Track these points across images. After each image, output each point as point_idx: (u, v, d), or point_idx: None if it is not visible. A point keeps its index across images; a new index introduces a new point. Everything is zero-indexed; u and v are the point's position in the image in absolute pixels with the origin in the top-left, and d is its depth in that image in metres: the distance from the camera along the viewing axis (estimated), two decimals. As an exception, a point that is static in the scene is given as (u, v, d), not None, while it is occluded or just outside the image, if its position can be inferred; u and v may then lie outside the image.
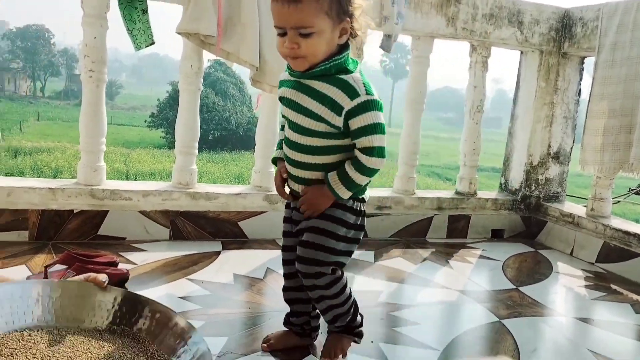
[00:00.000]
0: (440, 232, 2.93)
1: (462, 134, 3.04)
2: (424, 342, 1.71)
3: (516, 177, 3.18)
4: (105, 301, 1.12)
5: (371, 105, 1.33)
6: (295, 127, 1.39)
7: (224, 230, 2.53)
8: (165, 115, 26.24)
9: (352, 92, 1.31)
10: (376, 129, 1.34)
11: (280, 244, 1.56)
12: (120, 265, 2.02)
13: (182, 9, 2.28)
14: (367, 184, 1.42)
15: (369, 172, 1.38)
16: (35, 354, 0.97)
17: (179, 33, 2.25)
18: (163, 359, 1.06)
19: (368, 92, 1.33)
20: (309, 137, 1.38)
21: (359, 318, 1.56)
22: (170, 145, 25.43)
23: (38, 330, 1.04)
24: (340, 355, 1.49)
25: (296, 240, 1.49)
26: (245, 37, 2.24)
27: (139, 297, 1.16)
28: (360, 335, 1.56)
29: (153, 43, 2.32)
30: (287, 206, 1.54)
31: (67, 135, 26.66)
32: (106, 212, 2.34)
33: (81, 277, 1.16)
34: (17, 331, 1.02)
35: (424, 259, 2.55)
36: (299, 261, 1.42)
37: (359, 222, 1.48)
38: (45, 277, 1.83)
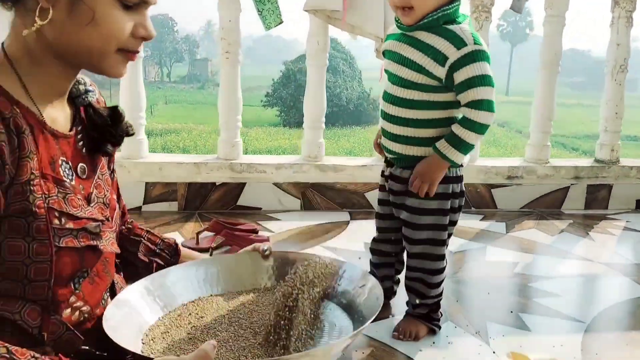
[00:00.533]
0: (577, 203, 2.75)
1: (603, 96, 2.81)
2: (568, 314, 1.65)
3: (666, 143, 2.88)
4: (267, 266, 1.22)
5: (479, 55, 1.29)
6: (395, 79, 1.38)
7: (351, 200, 2.60)
8: (279, 94, 27.07)
9: (458, 42, 1.28)
10: (484, 80, 1.29)
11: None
12: (260, 233, 2.17)
13: (308, -15, 2.34)
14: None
15: (480, 128, 1.32)
16: (218, 310, 1.10)
17: (306, 10, 2.31)
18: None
19: (476, 42, 1.29)
20: (409, 90, 1.35)
21: (440, 311, 1.51)
22: (285, 123, 26.31)
23: (216, 296, 1.17)
24: (413, 339, 1.45)
25: (392, 209, 1.50)
26: (370, 10, 2.25)
27: (288, 254, 1.26)
28: (438, 326, 1.49)
29: (282, 22, 2.40)
30: (382, 174, 1.53)
31: (192, 116, 28.57)
32: (244, 184, 2.50)
33: (248, 248, 1.28)
34: (199, 299, 1.15)
35: (561, 231, 2.42)
36: (417, 257, 1.45)
37: (459, 190, 1.44)
38: (197, 243, 2.02)
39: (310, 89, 2.56)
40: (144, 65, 3.60)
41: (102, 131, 0.98)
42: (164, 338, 0.99)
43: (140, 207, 2.44)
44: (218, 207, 2.50)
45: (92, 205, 0.94)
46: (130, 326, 0.98)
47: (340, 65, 28.03)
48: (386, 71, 1.43)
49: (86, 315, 0.93)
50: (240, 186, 2.50)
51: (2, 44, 0.86)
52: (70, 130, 0.94)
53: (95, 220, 0.92)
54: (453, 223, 1.46)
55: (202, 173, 2.46)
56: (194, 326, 1.04)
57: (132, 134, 1.06)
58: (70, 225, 0.86)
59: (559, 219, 2.59)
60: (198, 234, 2.05)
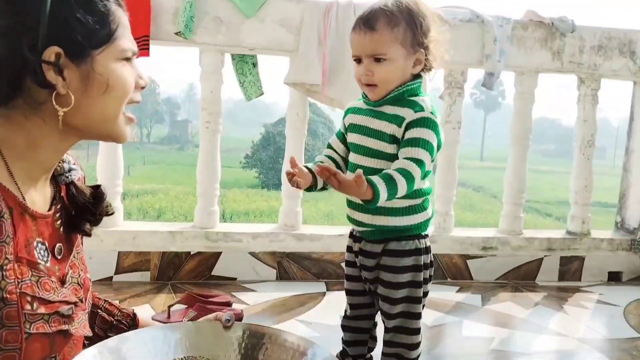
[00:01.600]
0: (551, 275, 2.78)
1: (573, 170, 2.90)
2: (545, 394, 1.63)
3: (634, 215, 2.96)
4: (235, 337, 1.18)
5: (431, 123, 1.33)
6: (362, 150, 1.40)
7: (327, 270, 2.58)
8: (258, 156, 27.34)
9: (417, 107, 1.34)
10: (427, 146, 1.31)
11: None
12: (234, 305, 2.12)
13: (288, 60, 2.42)
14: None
15: (411, 181, 1.27)
16: None
17: (286, 83, 2.38)
18: None
19: (432, 113, 1.35)
20: (375, 159, 1.38)
21: None
22: (264, 185, 26.40)
23: None
24: None
25: (362, 285, 1.49)
26: (349, 84, 2.33)
27: (261, 328, 1.22)
28: None
29: (262, 93, 2.47)
30: (349, 250, 1.52)
31: (170, 177, 28.51)
32: (219, 253, 2.47)
33: (210, 316, 1.24)
34: None
35: (536, 304, 2.43)
36: (394, 331, 1.43)
37: (429, 260, 1.43)
38: (169, 316, 1.97)
39: (288, 158, 2.59)
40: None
41: (82, 210, 0.98)
42: None
43: (111, 277, 2.38)
44: (192, 277, 2.45)
45: (66, 286, 0.92)
46: None
47: (319, 129, 28.60)
48: (351, 144, 1.44)
49: None
50: (216, 255, 2.47)
51: None
52: (49, 209, 0.93)
53: (68, 302, 0.90)
54: (425, 294, 1.46)
55: (177, 242, 2.43)
56: None
57: (112, 214, 1.05)
58: (42, 309, 0.84)
59: (533, 291, 2.60)
60: (170, 307, 2.00)
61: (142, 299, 2.20)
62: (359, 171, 1.24)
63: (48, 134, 0.86)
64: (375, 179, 1.27)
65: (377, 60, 1.33)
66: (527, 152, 2.79)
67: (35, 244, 0.87)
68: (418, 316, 1.43)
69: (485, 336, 2.04)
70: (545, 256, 2.77)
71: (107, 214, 1.04)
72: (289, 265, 2.55)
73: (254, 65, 2.47)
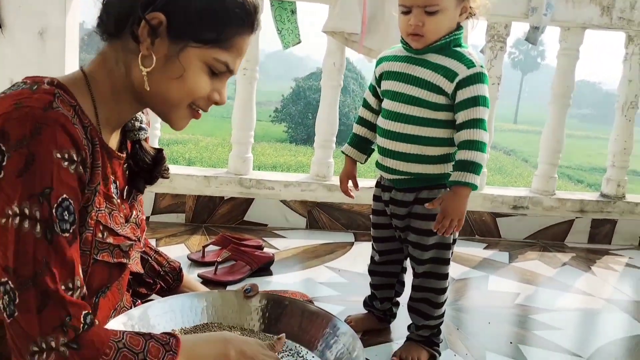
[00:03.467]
0: (581, 237, 2.76)
1: (612, 131, 2.83)
2: (567, 348, 1.66)
3: (672, 181, 2.90)
4: (257, 305, 1.23)
5: (484, 78, 1.35)
6: (402, 98, 1.40)
7: (356, 222, 2.62)
8: (288, 110, 27.21)
9: (467, 62, 1.35)
10: (485, 102, 1.35)
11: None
12: (265, 249, 2.19)
13: (327, 8, 2.39)
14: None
15: (484, 146, 1.35)
16: None
17: (324, 32, 2.36)
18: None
19: (482, 66, 1.36)
20: (415, 107, 1.38)
21: (441, 335, 1.53)
22: (292, 140, 26.39)
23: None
24: None
25: (390, 232, 1.53)
26: (388, 34, 2.30)
27: (279, 297, 1.26)
28: (439, 352, 1.50)
29: (300, 42, 2.46)
30: (377, 199, 1.54)
31: (200, 128, 28.73)
32: (252, 199, 2.53)
33: (236, 288, 1.30)
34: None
35: (564, 264, 2.43)
36: (424, 276, 1.47)
37: None
38: (203, 256, 2.05)
39: (323, 109, 2.60)
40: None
41: (141, 169, 1.02)
42: None
43: (148, 217, 2.47)
44: (225, 221, 2.52)
45: (128, 224, 0.97)
46: None
47: (350, 85, 28.20)
48: (387, 91, 1.45)
49: None
50: (248, 201, 2.53)
51: (82, 67, 0.92)
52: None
53: (129, 239, 0.95)
54: (454, 241, 1.49)
55: (211, 186, 2.50)
56: None
57: (167, 177, 1.10)
58: (110, 240, 0.90)
59: (562, 251, 2.60)
60: (204, 247, 2.08)
61: (177, 239, 2.28)
62: (436, 201, 1.36)
63: (127, 87, 0.90)
64: (457, 174, 1.34)
65: (429, 11, 1.32)
66: (567, 111, 2.74)
67: (111, 179, 0.92)
68: (447, 262, 1.46)
69: (510, 291, 2.07)
70: (576, 218, 2.74)
71: (164, 177, 1.09)
72: (319, 215, 2.60)
73: (293, 12, 2.45)
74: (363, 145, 1.56)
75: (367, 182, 2.70)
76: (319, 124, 2.62)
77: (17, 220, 0.74)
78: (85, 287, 0.81)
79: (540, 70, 62.00)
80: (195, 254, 2.08)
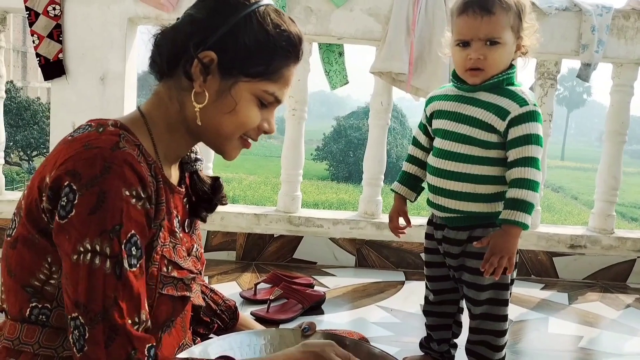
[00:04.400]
0: (644, 277, 2.63)
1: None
2: (639, 397, 1.56)
3: None
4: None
5: (537, 116, 1.35)
6: (454, 136, 1.39)
7: (406, 260, 2.58)
8: (329, 148, 27.48)
9: (520, 100, 1.34)
10: (539, 140, 1.34)
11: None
12: (316, 288, 2.18)
13: (374, 50, 2.43)
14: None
15: (536, 185, 1.32)
16: None
17: (372, 72, 2.40)
18: None
19: (535, 104, 1.35)
20: (467, 146, 1.37)
21: None
22: (333, 178, 26.54)
23: None
24: None
25: (444, 271, 1.50)
26: (436, 73, 2.31)
27: (339, 337, 1.22)
28: None
29: (347, 82, 2.50)
30: (430, 237, 1.53)
31: (243, 166, 29.30)
32: (301, 237, 2.54)
33: (294, 326, 1.28)
34: None
35: (628, 305, 2.31)
36: (481, 317, 1.43)
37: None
38: (255, 294, 2.05)
39: (371, 147, 2.62)
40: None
41: (201, 198, 1.05)
42: None
43: (200, 254, 2.51)
44: (274, 258, 2.54)
45: (190, 258, 0.99)
46: None
47: (391, 124, 28.27)
48: (438, 130, 1.45)
49: None
50: (297, 239, 2.54)
51: (139, 107, 0.96)
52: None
53: (192, 272, 0.97)
54: (512, 282, 1.44)
55: (261, 224, 2.52)
56: None
57: (226, 204, 1.12)
58: (174, 274, 0.92)
59: (624, 292, 2.48)
60: (256, 284, 2.08)
61: (229, 277, 2.30)
62: (485, 239, 1.33)
63: (182, 123, 0.93)
64: (507, 213, 1.32)
65: (490, 44, 1.32)
66: (622, 148, 2.66)
67: (174, 213, 0.95)
68: (506, 303, 1.42)
69: (572, 334, 1.97)
70: (638, 257, 2.62)
71: (222, 204, 1.11)
72: (368, 253, 2.58)
73: (340, 54, 2.51)
74: (413, 183, 1.56)
75: (416, 220, 2.68)
76: (366, 162, 2.64)
77: (88, 256, 0.76)
78: (149, 321, 0.82)
79: (586, 106, 60.72)
80: (248, 291, 2.09)
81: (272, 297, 1.93)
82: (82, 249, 0.76)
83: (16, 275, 0.85)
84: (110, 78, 2.41)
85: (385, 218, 2.62)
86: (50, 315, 0.85)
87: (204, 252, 2.46)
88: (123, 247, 0.78)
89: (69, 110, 2.42)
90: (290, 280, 2.11)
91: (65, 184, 0.78)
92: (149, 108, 0.95)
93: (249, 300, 2.02)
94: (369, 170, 2.63)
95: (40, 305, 0.84)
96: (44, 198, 0.80)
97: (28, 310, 0.84)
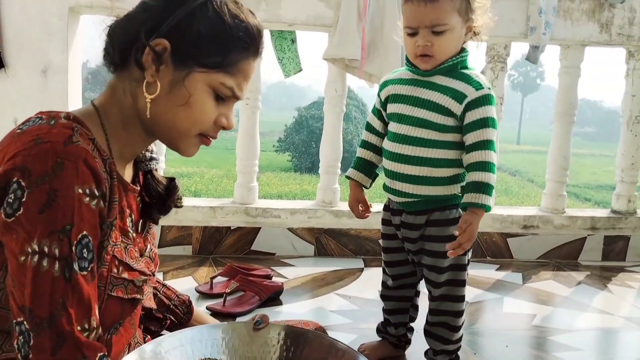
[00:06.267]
0: (594, 255, 2.71)
1: (619, 147, 2.81)
2: (590, 370, 1.60)
3: (683, 195, 2.86)
4: (271, 337, 1.18)
5: (492, 99, 1.36)
6: (410, 120, 1.39)
7: (365, 247, 2.58)
8: (291, 139, 27.35)
9: (475, 84, 1.35)
10: (494, 123, 1.35)
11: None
12: (274, 279, 2.15)
13: (326, 36, 2.41)
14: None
15: (493, 167, 1.34)
16: None
17: (325, 59, 2.37)
18: None
19: (490, 88, 1.37)
20: (424, 129, 1.37)
21: None
22: (296, 169, 26.47)
23: None
24: None
25: (402, 256, 1.51)
26: (387, 59, 2.30)
27: (300, 330, 1.20)
28: None
29: (301, 70, 2.47)
30: (387, 223, 1.53)
31: (205, 160, 28.90)
32: (259, 228, 2.50)
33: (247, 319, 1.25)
34: None
35: (579, 282, 2.38)
36: (441, 299, 1.44)
37: None
38: (211, 288, 2.01)
39: (327, 135, 2.60)
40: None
41: (154, 199, 1.01)
42: None
43: (154, 250, 2.44)
44: (232, 251, 2.49)
45: (142, 259, 0.95)
46: None
47: (352, 112, 28.38)
48: (394, 114, 1.44)
49: None
50: (255, 231, 2.51)
51: (92, 101, 0.91)
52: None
53: (144, 274, 0.93)
54: (468, 262, 1.46)
55: (217, 217, 2.48)
56: None
57: (180, 207, 1.08)
58: (125, 275, 0.88)
59: (576, 270, 2.55)
60: (212, 278, 2.04)
61: (184, 272, 2.25)
62: (462, 224, 1.30)
63: (135, 118, 0.89)
64: (471, 196, 1.31)
65: (436, 32, 1.31)
66: (571, 129, 2.73)
67: (127, 213, 0.91)
68: (463, 283, 1.43)
69: (526, 312, 2.02)
70: (588, 235, 2.70)
71: (177, 207, 1.07)
72: (327, 242, 2.57)
73: (293, 41, 2.47)
74: (368, 169, 1.55)
75: (375, 206, 2.68)
76: (323, 150, 2.62)
77: (36, 258, 0.72)
78: (100, 328, 0.78)
79: (540, 91, 62.41)
80: (203, 285, 2.05)
81: (229, 290, 1.89)
82: (29, 250, 0.72)
83: None
84: (52, 71, 2.30)
85: (343, 206, 2.62)
86: None
87: (158, 247, 2.42)
88: (73, 248, 0.74)
89: (10, 105, 2.30)
90: (247, 272, 2.08)
91: (14, 180, 0.73)
92: (102, 102, 0.90)
93: (205, 295, 1.98)
94: (325, 158, 2.61)
95: None
96: None
97: None
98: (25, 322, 0.71)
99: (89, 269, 0.76)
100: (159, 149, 2.46)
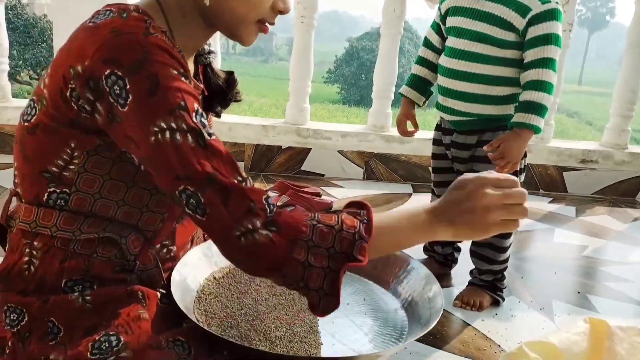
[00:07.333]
0: (655, 193, 2.62)
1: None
2: (639, 299, 1.58)
3: None
4: None
5: (559, 15, 1.29)
6: (469, 34, 1.34)
7: (415, 173, 2.57)
8: (341, 71, 26.88)
9: None
10: (558, 41, 1.29)
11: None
12: (323, 197, 2.19)
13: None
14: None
15: (551, 88, 1.29)
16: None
17: (385, -25, 2.27)
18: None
19: (557, 2, 1.29)
20: (483, 44, 1.32)
21: (505, 281, 1.48)
22: (345, 101, 26.19)
23: None
24: (477, 309, 1.43)
25: (454, 177, 1.47)
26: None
27: None
28: (502, 297, 1.47)
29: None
30: (438, 143, 1.50)
31: (254, 89, 28.95)
32: (309, 149, 2.52)
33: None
34: None
35: (635, 219, 2.31)
36: None
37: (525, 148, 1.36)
38: (262, 201, 2.07)
39: (382, 58, 2.54)
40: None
41: (215, 93, 1.02)
42: (217, 301, 1.00)
43: (208, 165, 2.51)
44: (283, 170, 2.54)
45: None
46: (188, 288, 0.98)
47: (405, 45, 27.47)
48: (453, 28, 1.39)
49: (172, 254, 0.97)
50: (306, 151, 2.53)
51: None
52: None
53: None
54: (520, 185, 1.43)
55: (269, 136, 2.51)
56: (241, 292, 1.03)
57: (240, 101, 1.08)
58: None
59: (633, 207, 2.47)
60: (264, 192, 2.10)
61: (237, 186, 2.31)
62: (495, 141, 1.29)
63: (194, 8, 0.88)
64: (520, 116, 1.28)
65: None
66: (644, 60, 2.55)
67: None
68: None
69: (578, 244, 1.99)
70: (650, 173, 2.59)
71: (237, 100, 1.07)
72: (376, 166, 2.57)
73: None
74: (422, 87, 1.51)
75: (425, 133, 2.64)
76: (376, 74, 2.56)
77: (167, 134, 0.72)
78: (250, 179, 0.78)
79: (609, 28, 58.24)
80: (255, 199, 2.11)
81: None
82: (157, 129, 0.72)
83: (34, 161, 0.84)
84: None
85: (394, 132, 2.58)
86: (69, 200, 0.84)
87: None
88: (196, 120, 0.74)
89: (71, 18, 2.34)
90: (298, 188, 2.11)
91: (107, 72, 0.74)
92: None
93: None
94: (379, 81, 2.56)
95: (58, 190, 0.83)
96: (72, 87, 0.78)
97: (46, 195, 0.84)
98: (188, 187, 0.72)
99: (215, 135, 0.78)
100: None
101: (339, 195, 2.30)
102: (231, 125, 2.49)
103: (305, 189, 2.33)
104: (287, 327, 0.96)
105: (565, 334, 0.92)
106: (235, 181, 0.73)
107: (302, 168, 2.54)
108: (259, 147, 2.51)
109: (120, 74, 0.73)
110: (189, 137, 0.73)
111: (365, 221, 0.76)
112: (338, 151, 2.54)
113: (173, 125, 0.73)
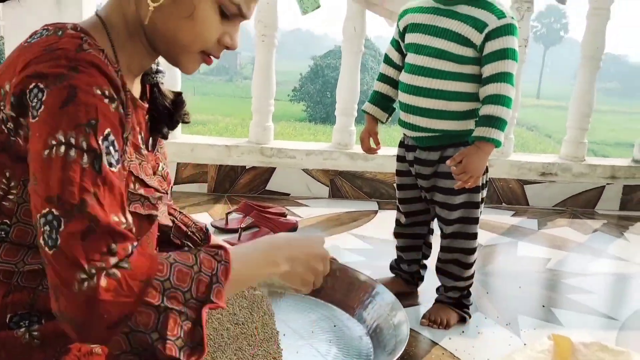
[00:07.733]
0: (612, 204, 2.68)
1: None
2: (602, 311, 1.61)
3: None
4: None
5: (514, 30, 1.31)
6: (427, 51, 1.35)
7: (379, 190, 2.57)
8: (306, 89, 27.05)
9: (498, 12, 1.31)
10: (514, 55, 1.31)
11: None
12: (288, 217, 2.16)
13: (347, -30, 2.32)
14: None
15: (509, 102, 1.31)
16: None
17: (345, -6, 2.29)
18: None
19: (513, 17, 1.32)
20: (442, 61, 1.34)
21: (471, 298, 1.49)
22: (311, 119, 26.32)
23: None
24: (444, 327, 1.43)
25: (416, 193, 1.50)
26: (410, -5, 2.22)
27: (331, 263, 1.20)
28: (469, 314, 1.48)
29: (319, 7, 2.39)
30: (401, 160, 1.51)
31: (219, 108, 28.80)
32: (273, 169, 2.50)
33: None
34: None
35: (595, 230, 2.37)
36: (452, 236, 1.43)
37: (486, 165, 1.38)
38: (226, 223, 2.03)
39: (344, 76, 2.54)
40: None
41: (162, 113, 0.99)
42: None
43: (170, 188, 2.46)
44: (247, 190, 2.50)
45: (154, 177, 0.94)
46: None
47: (369, 62, 27.90)
48: (412, 45, 1.40)
49: None
50: (270, 170, 2.50)
51: (97, 12, 0.87)
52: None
53: (158, 191, 0.92)
54: (482, 200, 1.44)
55: (232, 156, 2.47)
56: None
57: (188, 122, 1.06)
58: (141, 191, 0.86)
59: (592, 218, 2.53)
60: (227, 214, 2.06)
61: (200, 208, 2.27)
62: (457, 155, 1.31)
63: (139, 28, 0.85)
64: (480, 130, 1.30)
65: None
66: (597, 74, 2.64)
67: (137, 129, 0.89)
68: (476, 221, 1.42)
69: (541, 256, 2.01)
70: (607, 184, 2.66)
71: (185, 122, 1.05)
72: (342, 184, 2.56)
73: (312, -25, 2.38)
74: (384, 103, 1.52)
75: (390, 149, 2.65)
76: (339, 91, 2.57)
77: (62, 148, 0.67)
78: (132, 225, 0.75)
79: (563, 44, 60.54)
80: (219, 221, 2.06)
81: (244, 226, 1.91)
82: (54, 142, 0.67)
83: None
84: (67, 1, 2.26)
85: (358, 149, 2.59)
86: (9, 231, 0.80)
87: (174, 184, 2.42)
88: (100, 143, 0.70)
89: (23, 35, 2.27)
90: (262, 209, 2.08)
91: (31, 86, 0.70)
92: (107, 12, 0.87)
93: (220, 230, 2.00)
94: (342, 99, 2.57)
95: None
96: (2, 108, 0.74)
97: None
98: (54, 210, 0.66)
99: (117, 168, 0.73)
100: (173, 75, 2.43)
101: (304, 214, 2.28)
102: (193, 146, 2.45)
103: (270, 210, 2.31)
104: (250, 358, 0.93)
105: (530, 352, 0.92)
106: (111, 220, 0.69)
107: (267, 188, 2.51)
108: (222, 168, 2.48)
109: (42, 86, 0.70)
110: (85, 157, 0.68)
111: (222, 263, 0.75)
112: (303, 170, 2.53)
113: (72, 140, 0.68)
